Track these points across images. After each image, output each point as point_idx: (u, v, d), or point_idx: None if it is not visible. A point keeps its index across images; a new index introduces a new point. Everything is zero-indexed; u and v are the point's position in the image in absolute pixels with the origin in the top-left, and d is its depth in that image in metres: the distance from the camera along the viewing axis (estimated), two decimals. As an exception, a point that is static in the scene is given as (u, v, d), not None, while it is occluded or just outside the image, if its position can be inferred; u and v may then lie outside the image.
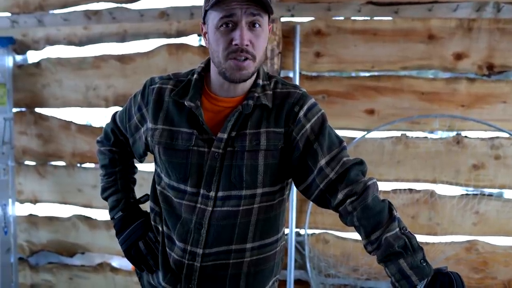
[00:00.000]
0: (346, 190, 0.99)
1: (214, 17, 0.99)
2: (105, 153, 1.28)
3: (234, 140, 1.04)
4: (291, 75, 2.17)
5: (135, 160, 1.32)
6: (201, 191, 1.05)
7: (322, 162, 1.02)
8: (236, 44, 0.97)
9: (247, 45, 0.97)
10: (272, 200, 1.10)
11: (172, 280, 1.10)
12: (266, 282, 1.15)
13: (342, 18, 2.10)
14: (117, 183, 1.26)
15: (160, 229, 1.14)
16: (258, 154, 1.04)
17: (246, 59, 0.98)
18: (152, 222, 1.17)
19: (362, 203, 0.96)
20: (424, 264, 0.90)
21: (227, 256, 1.08)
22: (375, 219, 0.95)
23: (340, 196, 0.99)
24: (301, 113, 1.06)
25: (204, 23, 1.05)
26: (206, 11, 1.01)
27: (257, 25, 0.98)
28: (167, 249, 1.12)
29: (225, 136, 1.04)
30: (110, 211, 1.26)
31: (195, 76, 1.11)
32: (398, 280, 0.90)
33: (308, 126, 1.05)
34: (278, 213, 1.14)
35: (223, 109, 1.08)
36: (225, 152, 1.04)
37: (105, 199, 1.28)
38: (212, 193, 1.05)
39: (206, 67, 1.12)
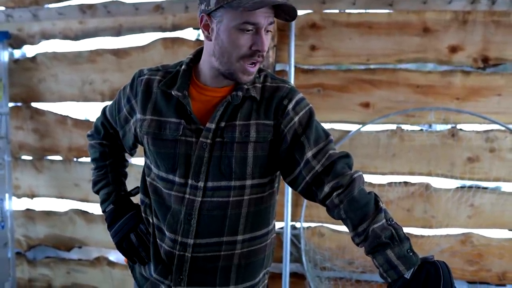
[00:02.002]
0: (332, 183, 0.99)
1: (233, 17, 0.98)
2: (96, 147, 1.29)
3: (224, 131, 1.05)
4: (286, 68, 2.17)
5: (126, 155, 1.32)
6: (189, 181, 1.06)
7: (309, 154, 1.03)
8: (257, 50, 0.99)
9: (265, 51, 1.01)
10: (262, 193, 1.11)
11: (163, 272, 1.11)
12: (257, 274, 1.16)
13: (337, 11, 2.10)
14: (108, 176, 1.27)
15: (151, 220, 1.15)
16: (248, 146, 1.05)
17: (257, 62, 1.02)
18: (143, 214, 1.18)
19: (349, 196, 0.97)
20: (411, 254, 0.90)
21: (218, 248, 1.09)
22: (362, 211, 0.96)
23: (326, 189, 1.00)
24: (290, 107, 1.07)
25: (209, 15, 1.02)
26: (220, 6, 0.98)
27: (269, 32, 1.02)
28: (158, 240, 1.13)
29: (213, 126, 1.05)
30: (101, 204, 1.26)
31: (183, 67, 1.11)
32: (386, 271, 0.91)
33: (296, 119, 1.06)
34: (269, 205, 1.15)
35: (212, 98, 1.08)
36: (214, 142, 1.05)
37: (96, 192, 1.28)
38: (200, 184, 1.05)
39: (195, 58, 1.12)
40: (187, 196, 1.06)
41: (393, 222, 0.95)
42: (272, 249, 1.22)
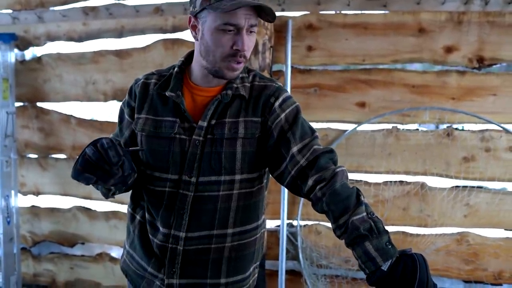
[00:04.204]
0: (315, 176, 1.03)
1: (215, 18, 1.02)
2: None
3: (214, 128, 1.09)
4: (283, 69, 2.20)
5: None
6: (183, 177, 1.10)
7: (294, 149, 1.07)
8: (237, 49, 1.03)
9: (245, 50, 1.04)
10: (251, 187, 1.15)
11: (156, 265, 1.15)
12: (247, 267, 1.19)
13: (331, 12, 2.13)
14: None
15: (138, 217, 1.18)
16: (236, 142, 1.09)
17: (240, 62, 1.06)
18: (129, 209, 1.21)
19: (331, 189, 1.00)
20: (389, 246, 0.92)
21: (209, 241, 1.12)
22: (343, 204, 0.98)
23: (310, 182, 1.03)
24: (277, 104, 1.12)
25: (195, 16, 1.07)
26: (203, 8, 1.03)
27: (253, 32, 1.06)
28: (150, 236, 1.16)
29: (205, 124, 1.09)
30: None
31: (175, 69, 1.16)
32: (364, 262, 0.93)
33: (282, 116, 1.11)
34: (258, 200, 1.18)
35: (203, 98, 1.13)
36: (206, 139, 1.09)
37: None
38: (193, 179, 1.09)
39: (187, 61, 1.17)
40: (180, 191, 1.10)
41: (373, 216, 0.97)
42: (261, 243, 1.25)
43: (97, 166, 0.96)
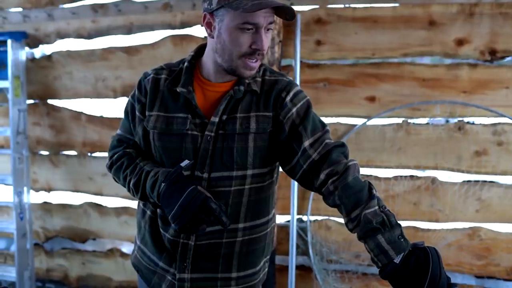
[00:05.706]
0: (327, 170, 1.03)
1: (234, 17, 1.02)
2: (120, 159, 1.20)
3: (225, 124, 1.09)
4: (292, 63, 2.19)
5: None
6: (195, 173, 1.10)
7: (306, 143, 1.08)
8: (257, 49, 1.03)
9: (264, 49, 1.05)
10: (262, 182, 1.15)
11: (167, 260, 1.16)
12: (258, 262, 1.20)
13: (340, 6, 2.11)
14: (144, 168, 1.13)
15: (149, 213, 1.18)
16: (248, 137, 1.09)
17: (257, 60, 1.06)
18: (140, 204, 1.22)
19: (343, 182, 1.00)
20: (402, 239, 0.93)
21: (220, 236, 1.13)
22: (355, 197, 0.99)
23: (322, 176, 1.04)
24: (288, 98, 1.12)
25: (211, 13, 1.06)
26: (221, 6, 1.02)
27: (270, 29, 1.06)
28: (161, 230, 1.16)
29: (217, 119, 1.09)
30: (152, 193, 1.08)
31: (185, 64, 1.15)
32: (376, 255, 0.94)
33: (294, 110, 1.11)
34: (268, 195, 1.19)
35: (215, 93, 1.13)
36: (217, 135, 1.09)
37: (143, 191, 1.12)
38: (205, 175, 1.10)
39: (197, 55, 1.17)
40: None
41: (385, 209, 0.97)
42: (271, 237, 1.26)
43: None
